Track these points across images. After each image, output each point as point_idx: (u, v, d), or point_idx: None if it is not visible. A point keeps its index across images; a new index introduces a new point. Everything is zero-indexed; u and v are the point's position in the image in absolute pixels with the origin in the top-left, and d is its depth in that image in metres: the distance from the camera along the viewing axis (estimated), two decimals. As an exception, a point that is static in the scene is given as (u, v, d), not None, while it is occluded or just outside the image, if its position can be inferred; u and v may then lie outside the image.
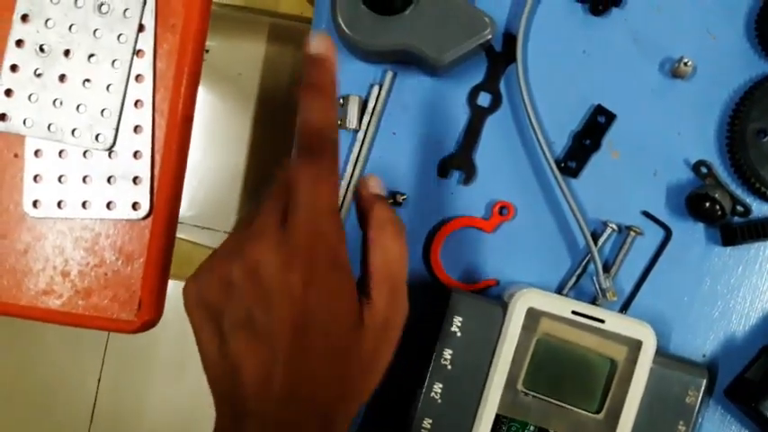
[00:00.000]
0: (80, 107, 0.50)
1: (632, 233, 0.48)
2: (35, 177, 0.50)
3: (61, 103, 0.50)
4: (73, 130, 0.50)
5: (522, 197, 0.49)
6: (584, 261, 0.49)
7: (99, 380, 1.40)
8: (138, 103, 0.50)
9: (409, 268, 0.47)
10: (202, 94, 1.48)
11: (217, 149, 1.44)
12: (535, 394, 0.44)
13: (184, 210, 1.43)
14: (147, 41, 0.50)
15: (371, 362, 0.37)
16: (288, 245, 0.33)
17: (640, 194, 0.49)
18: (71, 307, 0.49)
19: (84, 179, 0.50)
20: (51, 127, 0.50)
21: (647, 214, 0.49)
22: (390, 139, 0.50)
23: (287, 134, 0.49)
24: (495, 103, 0.50)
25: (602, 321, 0.44)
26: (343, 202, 0.49)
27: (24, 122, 0.50)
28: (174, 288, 1.45)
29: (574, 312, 0.44)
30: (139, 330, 0.50)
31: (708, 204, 0.47)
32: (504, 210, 0.49)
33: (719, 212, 0.47)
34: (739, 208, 0.48)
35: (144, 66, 0.50)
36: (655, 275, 0.49)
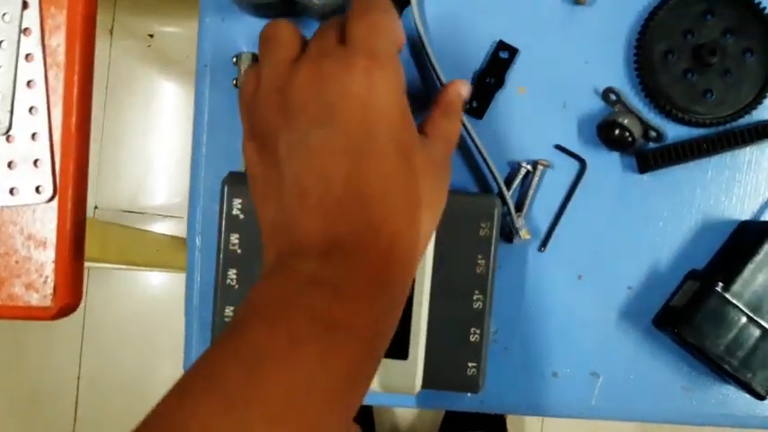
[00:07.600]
0: (-29, 93, 0.48)
1: (540, 166, 0.47)
2: (-65, 170, 0.49)
3: (-48, 91, 0.48)
4: (-34, 118, 0.48)
5: (431, 143, 0.48)
6: (499, 202, 0.47)
7: (79, 365, 1.42)
8: (31, 84, 0.49)
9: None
10: (155, 80, 1.46)
11: (182, 133, 1.42)
12: None
13: (156, 200, 1.42)
14: (32, 18, 0.48)
15: (437, 170, 0.38)
16: (348, 50, 0.34)
17: (552, 128, 0.48)
18: (-16, 298, 0.49)
19: (-16, 167, 0.49)
20: (-56, 116, 0.48)
21: (559, 147, 0.48)
22: (291, 97, 0.49)
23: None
24: (395, 48, 0.48)
25: None
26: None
27: None
28: (170, 279, 1.43)
29: None
30: (58, 316, 0.49)
31: (617, 131, 0.46)
32: None
33: (630, 139, 0.46)
34: (652, 133, 0.47)
35: (32, 44, 0.49)
36: (573, 209, 0.48)
